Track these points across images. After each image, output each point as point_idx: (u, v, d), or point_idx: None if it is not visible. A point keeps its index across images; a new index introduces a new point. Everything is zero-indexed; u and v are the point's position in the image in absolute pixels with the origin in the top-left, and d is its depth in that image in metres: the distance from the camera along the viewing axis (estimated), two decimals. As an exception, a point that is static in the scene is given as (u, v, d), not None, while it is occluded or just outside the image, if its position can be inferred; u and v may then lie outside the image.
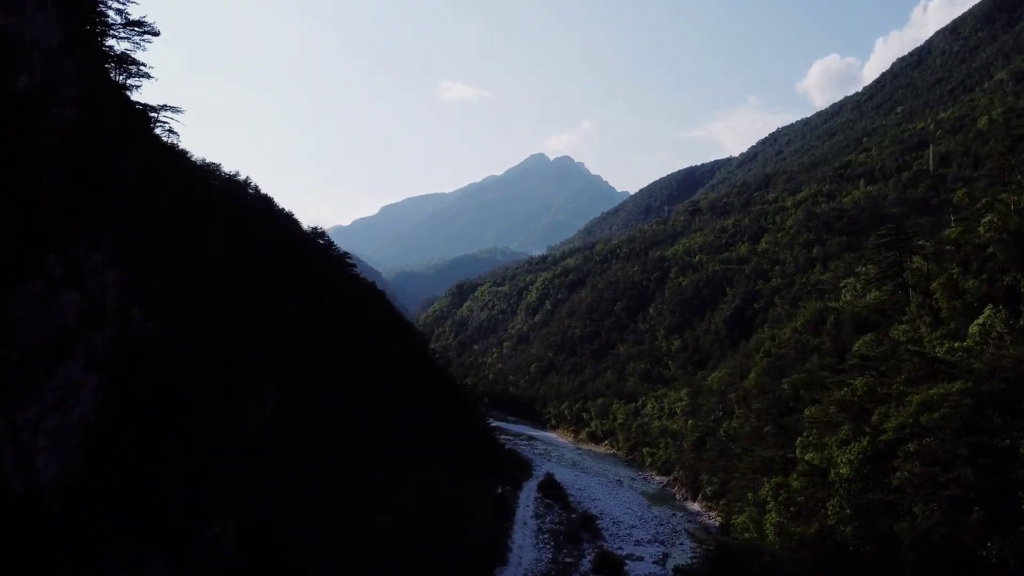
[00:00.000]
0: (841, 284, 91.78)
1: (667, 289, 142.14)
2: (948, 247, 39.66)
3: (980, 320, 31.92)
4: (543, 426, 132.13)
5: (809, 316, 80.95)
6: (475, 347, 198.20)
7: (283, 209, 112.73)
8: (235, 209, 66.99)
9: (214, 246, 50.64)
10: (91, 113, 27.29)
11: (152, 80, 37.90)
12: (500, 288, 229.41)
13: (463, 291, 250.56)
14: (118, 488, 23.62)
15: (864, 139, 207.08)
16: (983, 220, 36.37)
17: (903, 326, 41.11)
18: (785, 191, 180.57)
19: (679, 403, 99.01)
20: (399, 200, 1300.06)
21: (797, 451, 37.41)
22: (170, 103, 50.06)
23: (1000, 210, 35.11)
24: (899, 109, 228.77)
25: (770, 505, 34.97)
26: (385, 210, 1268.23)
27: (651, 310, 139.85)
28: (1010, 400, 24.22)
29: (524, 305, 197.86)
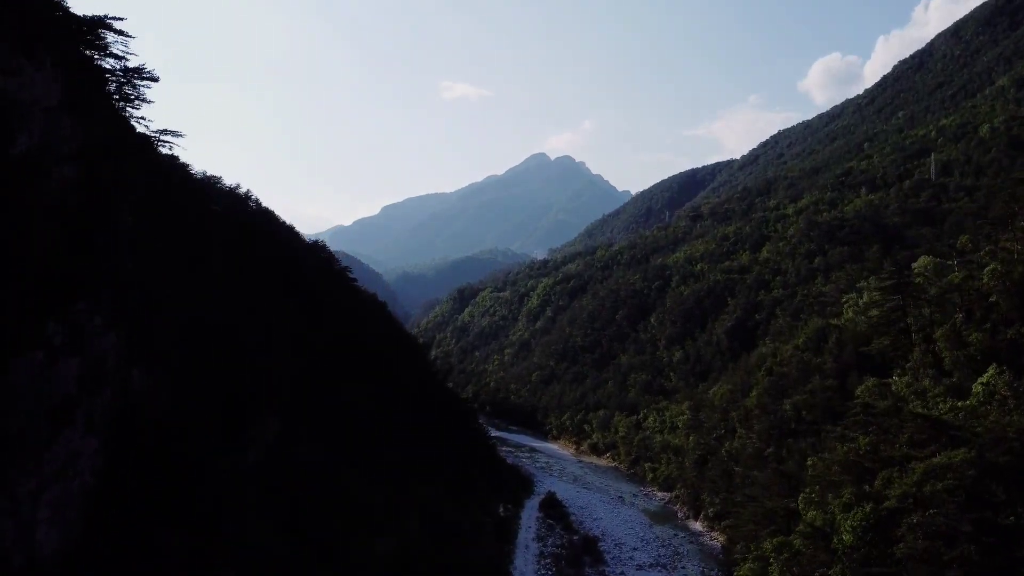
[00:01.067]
0: (843, 299, 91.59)
1: (668, 298, 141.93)
2: (951, 293, 39.54)
3: (984, 379, 31.71)
4: (544, 436, 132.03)
5: (811, 333, 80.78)
6: (476, 353, 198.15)
7: (284, 222, 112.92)
8: (235, 234, 67.12)
9: (214, 278, 50.63)
10: (89, 168, 27.17)
11: (150, 105, 37.64)
12: (501, 294, 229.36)
13: (464, 296, 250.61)
14: (119, 554, 23.55)
15: (865, 144, 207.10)
16: (986, 268, 36.15)
17: (906, 376, 40.94)
18: (786, 198, 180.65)
19: (681, 417, 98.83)
20: (400, 200, 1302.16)
21: (800, 505, 37.28)
22: (171, 127, 49.64)
23: (1003, 258, 34.95)
24: (900, 114, 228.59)
25: (773, 565, 34.80)
26: (386, 210, 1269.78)
27: (652, 319, 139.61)
28: (1014, 472, 24.06)
29: (525, 311, 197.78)
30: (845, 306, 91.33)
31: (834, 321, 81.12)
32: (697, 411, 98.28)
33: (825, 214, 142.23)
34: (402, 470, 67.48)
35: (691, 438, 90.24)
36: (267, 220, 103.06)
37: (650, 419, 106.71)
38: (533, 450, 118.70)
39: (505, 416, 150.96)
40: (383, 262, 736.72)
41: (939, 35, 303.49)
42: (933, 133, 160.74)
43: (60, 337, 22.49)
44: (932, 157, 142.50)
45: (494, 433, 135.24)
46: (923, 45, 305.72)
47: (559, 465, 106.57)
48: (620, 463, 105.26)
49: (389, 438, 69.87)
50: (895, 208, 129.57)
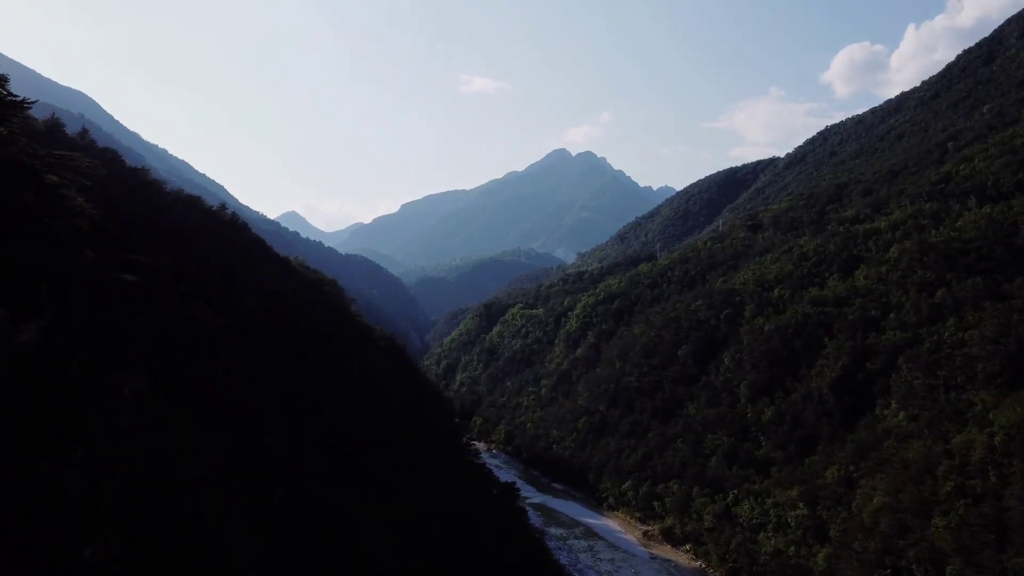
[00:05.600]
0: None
1: (744, 333, 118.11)
2: None
3: None
4: (599, 504, 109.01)
5: (1009, 424, 57.11)
6: (508, 383, 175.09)
7: (289, 260, 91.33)
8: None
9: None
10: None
11: None
12: (533, 311, 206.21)
13: (492, 312, 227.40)
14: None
15: (949, 144, 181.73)
16: None
17: None
18: (867, 206, 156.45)
19: (792, 512, 75.53)
20: (420, 198, 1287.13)
21: None
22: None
23: None
24: (985, 108, 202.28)
25: None
26: (406, 207, 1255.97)
27: (726, 359, 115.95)
28: None
29: (563, 335, 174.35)
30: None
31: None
32: (814, 504, 75.04)
33: (934, 232, 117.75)
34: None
35: (820, 553, 66.79)
36: (270, 259, 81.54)
37: (744, 507, 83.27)
38: (590, 533, 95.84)
39: (548, 470, 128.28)
40: (402, 261, 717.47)
41: (1008, 21, 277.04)
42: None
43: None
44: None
45: (535, 498, 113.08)
46: (966, 32, 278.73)
47: (628, 567, 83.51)
48: (710, 566, 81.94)
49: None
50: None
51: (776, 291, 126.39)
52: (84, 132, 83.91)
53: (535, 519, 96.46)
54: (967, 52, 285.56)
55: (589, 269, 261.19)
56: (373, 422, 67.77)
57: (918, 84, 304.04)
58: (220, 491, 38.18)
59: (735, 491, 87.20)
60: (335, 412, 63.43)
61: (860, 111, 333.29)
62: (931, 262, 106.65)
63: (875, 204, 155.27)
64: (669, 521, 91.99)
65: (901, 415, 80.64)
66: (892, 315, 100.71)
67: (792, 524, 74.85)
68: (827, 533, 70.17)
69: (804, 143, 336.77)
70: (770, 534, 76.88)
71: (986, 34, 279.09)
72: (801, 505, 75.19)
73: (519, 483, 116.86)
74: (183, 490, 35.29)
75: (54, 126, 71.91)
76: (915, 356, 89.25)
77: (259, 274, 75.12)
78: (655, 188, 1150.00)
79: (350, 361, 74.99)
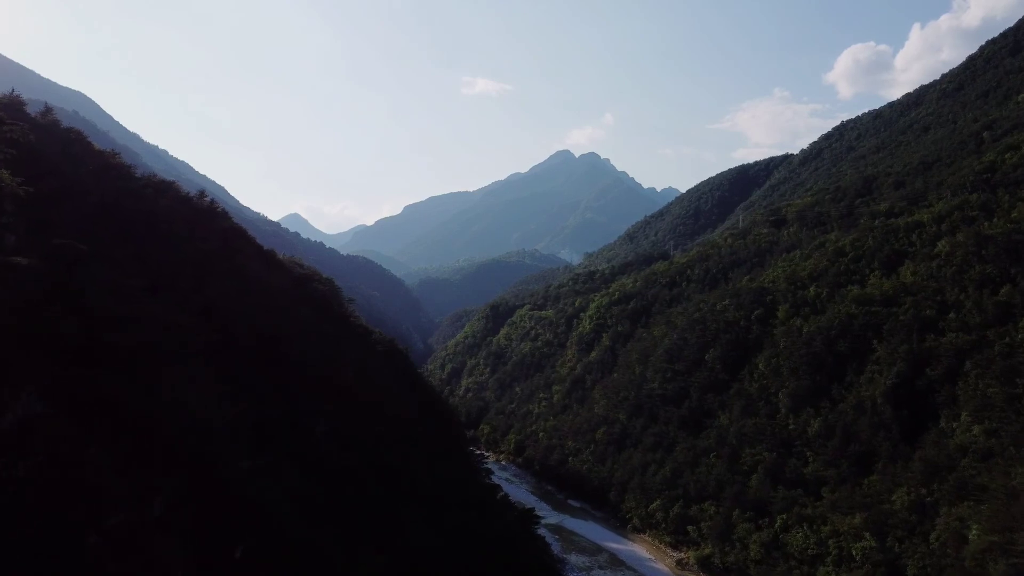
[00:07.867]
0: None
1: (779, 336, 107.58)
2: None
3: None
4: (623, 526, 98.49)
5: None
6: (517, 388, 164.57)
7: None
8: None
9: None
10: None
11: None
12: (542, 312, 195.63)
13: (499, 314, 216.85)
14: None
15: (984, 134, 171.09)
16: None
17: None
18: (901, 199, 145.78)
19: (857, 544, 65.00)
20: (423, 199, 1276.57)
21: None
22: None
23: None
24: (1020, 97, 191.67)
25: None
26: (408, 209, 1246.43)
27: (760, 364, 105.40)
28: None
29: (575, 337, 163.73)
30: None
31: None
32: (882, 534, 64.52)
33: (987, 224, 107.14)
34: None
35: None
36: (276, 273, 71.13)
37: (796, 535, 72.69)
38: (615, 560, 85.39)
39: (562, 485, 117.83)
40: (405, 263, 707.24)
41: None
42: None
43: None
44: None
45: (551, 517, 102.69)
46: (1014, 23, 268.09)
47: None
48: (758, 604, 71.60)
49: None
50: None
51: (812, 289, 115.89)
52: (48, 110, 73.63)
53: (553, 544, 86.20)
54: (991, 43, 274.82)
55: (600, 269, 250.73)
56: (368, 441, 57.57)
57: (926, 83, 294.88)
58: (159, 549, 27.85)
59: (783, 516, 76.59)
60: (323, 431, 53.30)
61: (862, 112, 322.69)
62: (990, 256, 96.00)
63: (911, 196, 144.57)
64: (707, 549, 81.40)
65: (976, 429, 70.12)
66: (952, 315, 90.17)
67: (858, 558, 64.40)
68: (904, 570, 59.85)
69: (820, 138, 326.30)
70: (830, 569, 66.40)
71: (991, 35, 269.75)
72: (867, 535, 64.73)
73: (533, 499, 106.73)
74: (95, 556, 25.01)
75: (11, 103, 61.99)
76: (986, 361, 78.68)
77: (238, 268, 64.96)
78: (659, 189, 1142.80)
79: (343, 369, 64.74)
